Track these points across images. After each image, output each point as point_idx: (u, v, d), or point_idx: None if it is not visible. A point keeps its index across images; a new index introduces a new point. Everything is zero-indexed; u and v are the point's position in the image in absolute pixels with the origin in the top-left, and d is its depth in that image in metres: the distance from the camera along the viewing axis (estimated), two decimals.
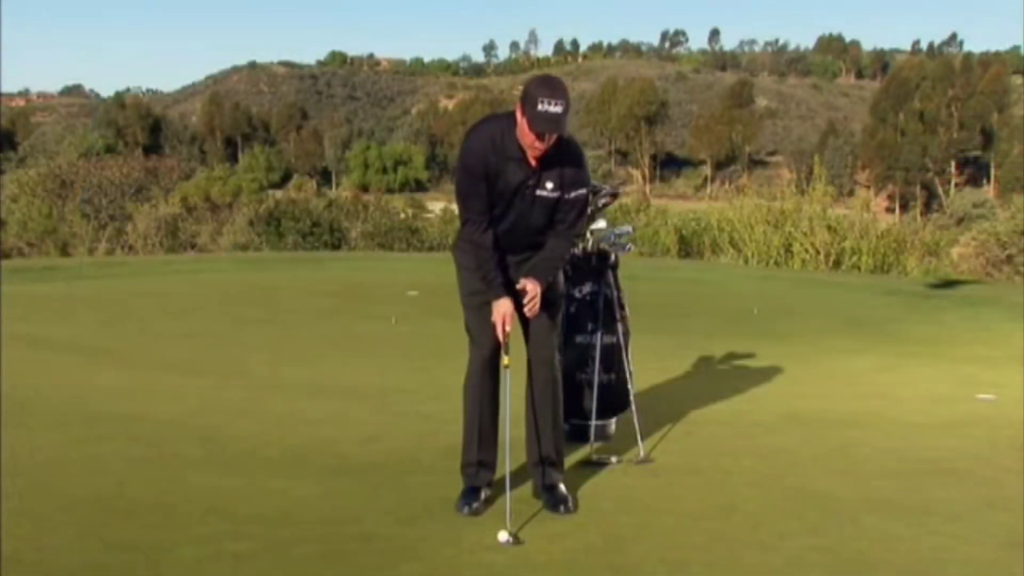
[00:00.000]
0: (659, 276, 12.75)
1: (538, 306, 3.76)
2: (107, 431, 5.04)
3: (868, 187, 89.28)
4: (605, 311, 4.83)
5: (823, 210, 15.83)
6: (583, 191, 3.76)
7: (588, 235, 4.92)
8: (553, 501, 3.90)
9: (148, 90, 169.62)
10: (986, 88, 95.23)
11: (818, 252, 15.23)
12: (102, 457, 4.56)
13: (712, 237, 17.38)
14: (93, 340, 8.07)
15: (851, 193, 67.78)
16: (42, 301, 10.42)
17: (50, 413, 5.41)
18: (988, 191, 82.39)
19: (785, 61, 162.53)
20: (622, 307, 4.90)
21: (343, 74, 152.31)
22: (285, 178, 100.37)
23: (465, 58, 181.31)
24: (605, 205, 4.98)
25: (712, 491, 4.19)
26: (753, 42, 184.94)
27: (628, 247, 5.06)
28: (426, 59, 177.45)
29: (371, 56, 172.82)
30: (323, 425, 5.24)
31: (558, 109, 3.47)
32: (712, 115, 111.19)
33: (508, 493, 3.66)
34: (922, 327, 9.24)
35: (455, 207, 3.98)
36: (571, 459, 4.43)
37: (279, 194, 36.13)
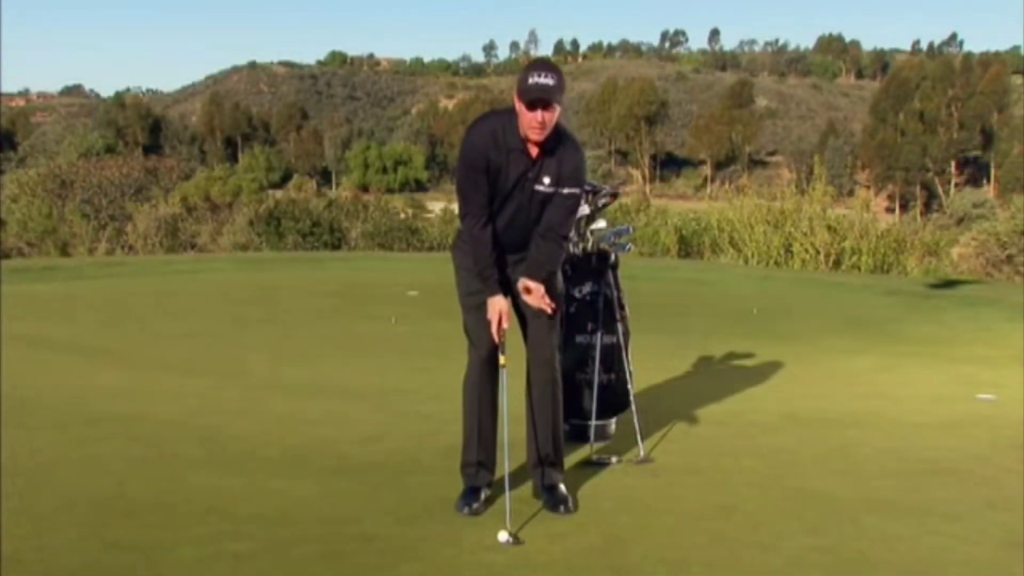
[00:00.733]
0: (659, 276, 12.75)
1: (547, 297, 3.75)
2: (107, 431, 5.04)
3: (868, 187, 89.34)
4: (605, 311, 4.83)
5: (823, 210, 15.81)
6: (576, 190, 3.77)
7: (588, 235, 4.92)
8: (553, 501, 3.90)
9: (148, 90, 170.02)
10: (986, 88, 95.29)
11: (818, 252, 15.22)
12: (102, 457, 4.56)
13: (712, 237, 17.37)
14: (93, 340, 8.07)
15: (851, 193, 67.81)
16: (42, 301, 10.42)
17: (50, 413, 5.41)
18: (988, 191, 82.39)
19: (785, 61, 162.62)
20: (622, 307, 4.90)
21: (343, 74, 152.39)
22: (285, 178, 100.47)
23: (465, 58, 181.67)
24: (605, 205, 4.98)
25: (712, 491, 4.19)
26: (753, 42, 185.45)
27: (628, 247, 5.06)
28: (426, 59, 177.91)
29: (371, 56, 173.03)
30: (323, 425, 5.24)
31: (549, 80, 3.56)
32: (712, 115, 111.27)
33: (508, 493, 3.65)
34: (922, 327, 9.24)
35: (455, 207, 3.98)
36: (571, 459, 4.43)
37: (279, 194, 36.09)
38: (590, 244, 4.92)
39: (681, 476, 4.39)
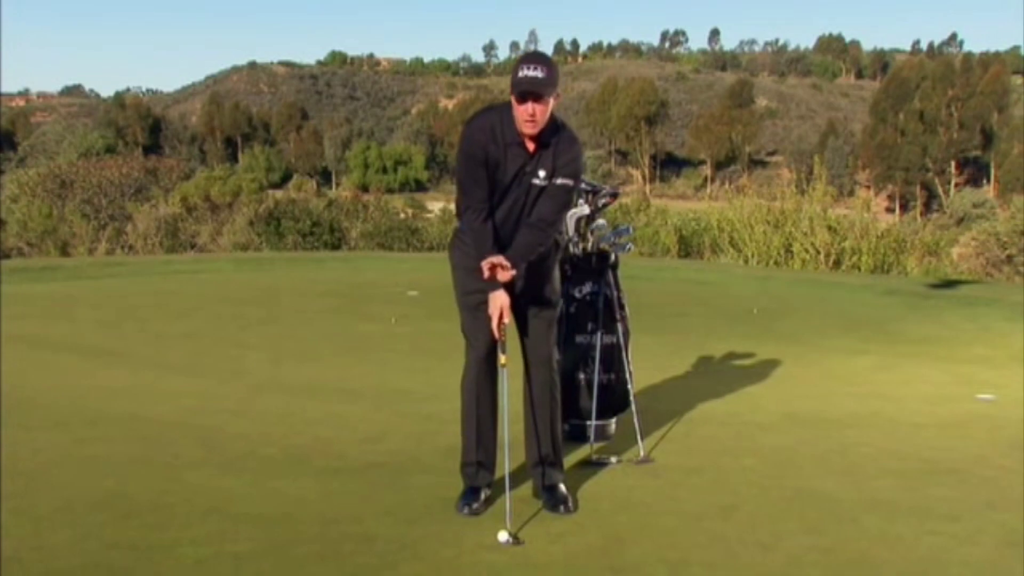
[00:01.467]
0: (659, 276, 12.75)
1: (507, 274, 3.65)
2: (107, 431, 5.04)
3: (868, 187, 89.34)
4: (605, 311, 4.83)
5: (823, 210, 15.80)
6: (570, 182, 3.75)
7: (588, 235, 4.92)
8: (553, 501, 3.90)
9: (148, 90, 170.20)
10: (986, 88, 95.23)
11: (818, 252, 15.22)
12: (102, 457, 4.56)
13: (712, 237, 17.37)
14: (93, 340, 8.06)
15: (851, 193, 67.87)
16: (42, 301, 10.41)
17: (50, 413, 5.41)
18: (988, 191, 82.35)
19: (785, 61, 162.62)
20: (622, 307, 4.90)
21: (343, 74, 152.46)
22: (285, 178, 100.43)
23: (465, 58, 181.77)
24: (605, 205, 4.98)
25: (712, 491, 4.19)
26: (753, 42, 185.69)
27: (628, 247, 5.06)
28: (426, 59, 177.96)
29: (371, 56, 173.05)
30: (323, 425, 5.24)
31: (538, 73, 3.56)
32: (712, 115, 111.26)
33: (508, 493, 3.65)
34: (922, 327, 9.23)
35: (454, 207, 3.98)
36: (571, 459, 4.43)
37: (279, 194, 36.10)
38: (590, 244, 4.92)
39: (681, 476, 4.39)
